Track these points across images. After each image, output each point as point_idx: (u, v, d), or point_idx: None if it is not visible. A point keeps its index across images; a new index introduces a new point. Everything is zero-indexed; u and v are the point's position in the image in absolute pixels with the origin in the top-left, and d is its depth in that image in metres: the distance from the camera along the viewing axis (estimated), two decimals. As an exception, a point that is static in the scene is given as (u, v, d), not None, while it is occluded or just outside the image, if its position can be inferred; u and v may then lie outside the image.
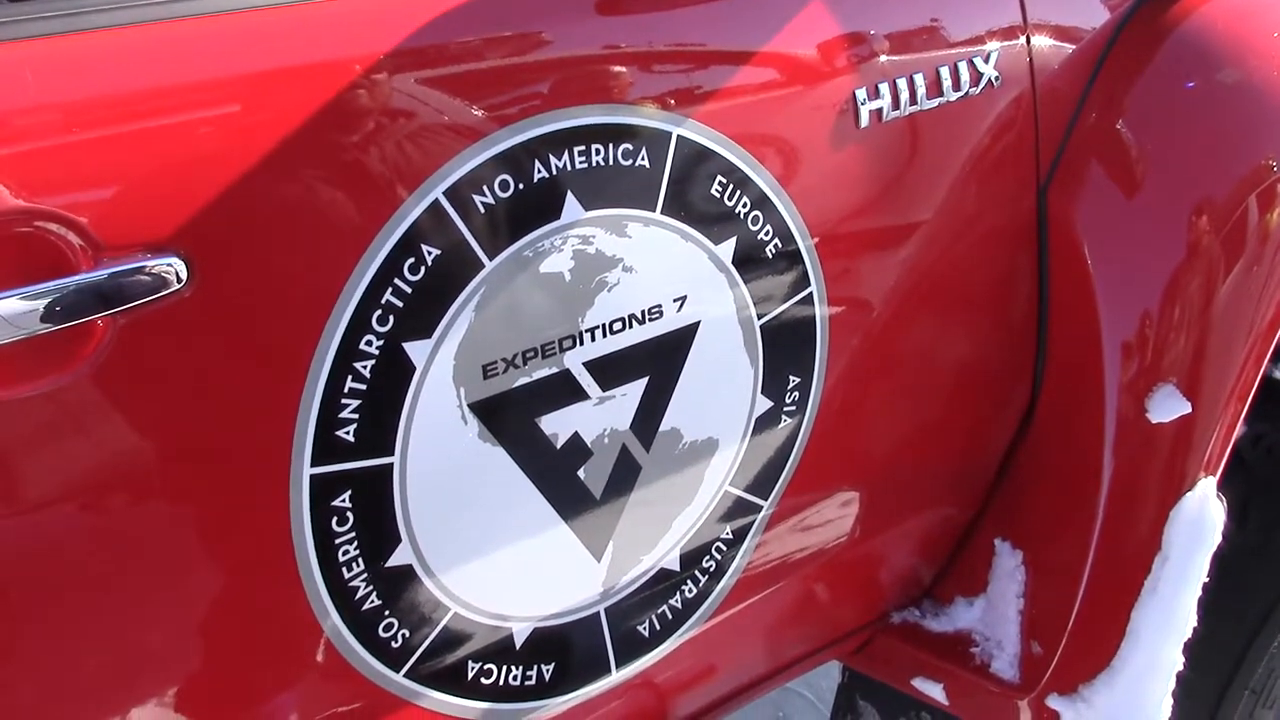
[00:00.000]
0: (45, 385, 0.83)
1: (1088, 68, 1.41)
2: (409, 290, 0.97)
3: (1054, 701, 1.45)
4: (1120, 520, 1.43)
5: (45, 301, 0.82)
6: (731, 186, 1.13)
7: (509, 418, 1.06)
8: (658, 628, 1.27)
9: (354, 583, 1.02)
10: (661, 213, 1.09)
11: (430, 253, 0.97)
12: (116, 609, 0.92)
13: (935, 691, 1.53)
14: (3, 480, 0.84)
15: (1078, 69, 1.40)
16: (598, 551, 1.18)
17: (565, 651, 1.20)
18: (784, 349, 1.22)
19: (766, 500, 1.30)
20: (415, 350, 0.99)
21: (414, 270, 0.97)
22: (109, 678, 0.94)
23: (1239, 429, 1.45)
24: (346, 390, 0.96)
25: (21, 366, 0.83)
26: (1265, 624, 1.59)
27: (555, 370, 1.07)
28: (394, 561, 1.04)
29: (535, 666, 1.19)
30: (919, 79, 1.24)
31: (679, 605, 1.28)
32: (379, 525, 1.01)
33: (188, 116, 0.87)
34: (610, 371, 1.11)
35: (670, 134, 1.08)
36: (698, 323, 1.15)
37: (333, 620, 1.02)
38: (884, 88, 1.22)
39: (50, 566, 0.87)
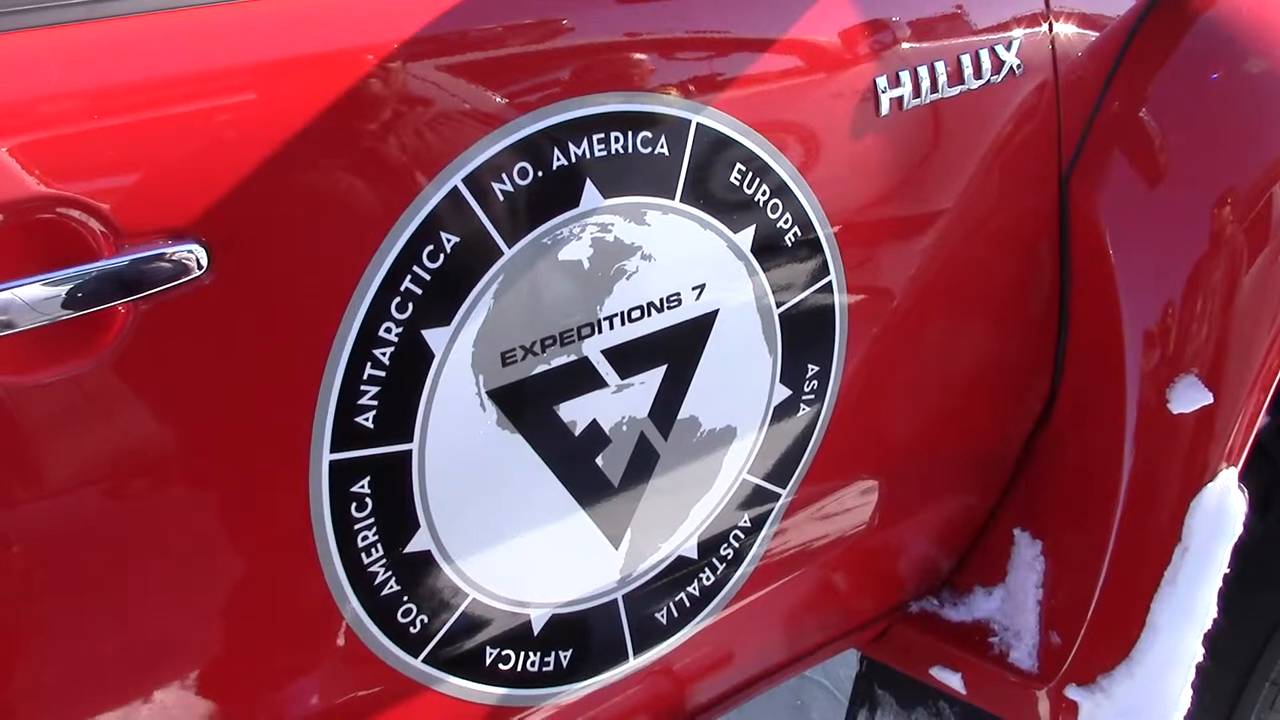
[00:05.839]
0: (67, 371, 0.84)
1: (1111, 56, 1.40)
2: (428, 278, 0.97)
3: (1072, 692, 1.45)
4: (1140, 511, 1.42)
5: (67, 288, 0.82)
6: (751, 174, 1.13)
7: (527, 405, 1.06)
8: (675, 615, 1.27)
9: (373, 568, 1.02)
10: (681, 201, 1.09)
11: (449, 240, 0.98)
12: (137, 593, 0.92)
13: (953, 681, 1.53)
14: (26, 465, 0.85)
15: (1101, 57, 1.39)
16: (616, 539, 1.18)
17: (583, 638, 1.20)
18: (803, 337, 1.22)
19: (785, 488, 1.30)
20: (434, 337, 0.99)
21: (433, 258, 0.97)
22: (131, 661, 0.95)
23: (1261, 420, 1.44)
24: (366, 377, 0.96)
25: (44, 352, 0.83)
26: (1286, 616, 1.59)
27: (574, 358, 1.07)
28: (413, 547, 1.04)
29: (553, 653, 1.19)
30: (940, 66, 1.24)
31: (697, 593, 1.28)
32: (398, 511, 1.02)
33: (208, 104, 0.88)
34: (629, 359, 1.11)
35: (690, 122, 1.08)
36: (716, 311, 1.15)
37: (352, 606, 1.02)
38: (905, 75, 1.21)
39: (71, 550, 0.88)
